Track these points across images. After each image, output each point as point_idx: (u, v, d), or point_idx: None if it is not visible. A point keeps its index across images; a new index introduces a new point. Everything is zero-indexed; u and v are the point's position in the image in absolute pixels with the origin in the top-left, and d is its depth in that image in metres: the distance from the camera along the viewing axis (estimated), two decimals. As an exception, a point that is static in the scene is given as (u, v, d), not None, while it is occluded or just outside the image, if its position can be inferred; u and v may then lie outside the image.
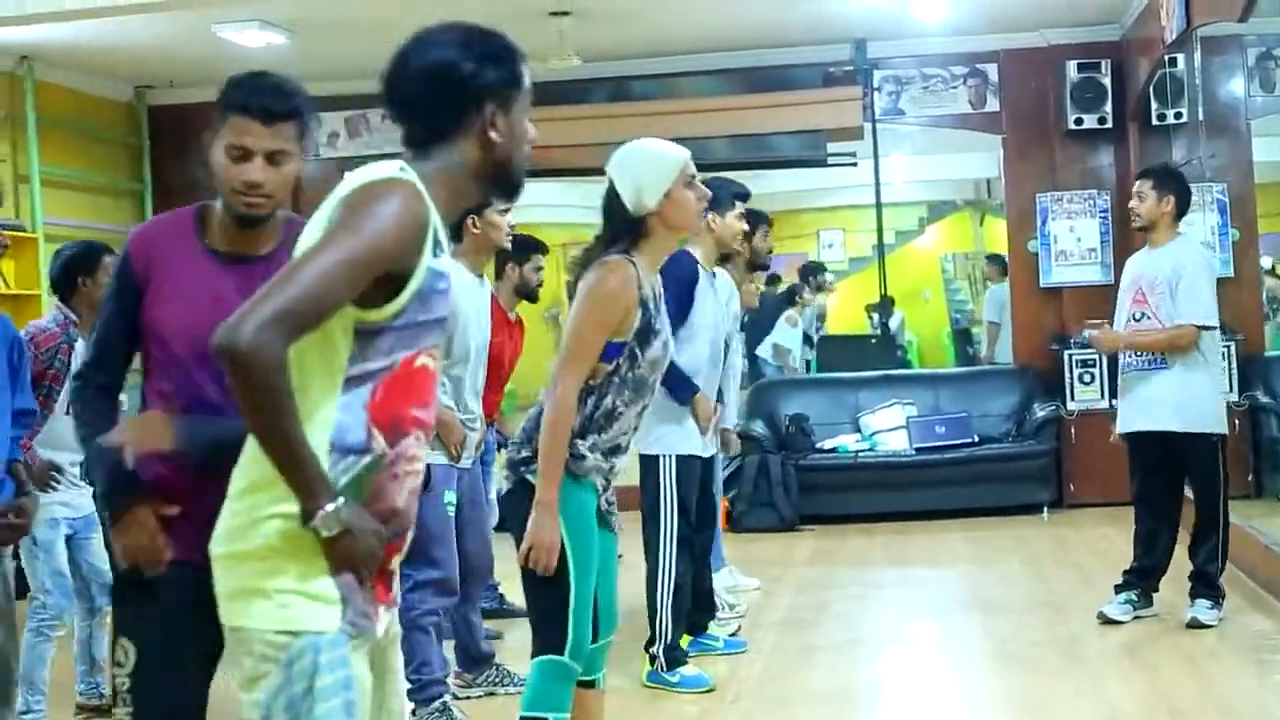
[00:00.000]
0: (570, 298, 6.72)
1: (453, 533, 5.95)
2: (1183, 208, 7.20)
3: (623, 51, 11.22)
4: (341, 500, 2.55)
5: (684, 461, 6.52)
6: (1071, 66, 11.11)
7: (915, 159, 16.33)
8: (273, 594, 2.58)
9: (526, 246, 7.00)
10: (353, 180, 2.66)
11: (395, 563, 2.79)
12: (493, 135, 2.78)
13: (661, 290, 4.35)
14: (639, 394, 4.23)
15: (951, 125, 11.90)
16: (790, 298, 14.97)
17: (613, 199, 4.26)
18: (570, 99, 11.10)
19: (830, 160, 12.04)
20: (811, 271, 15.78)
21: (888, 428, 11.42)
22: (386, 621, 2.80)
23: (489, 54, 2.78)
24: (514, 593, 7.88)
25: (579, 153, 10.91)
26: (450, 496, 5.91)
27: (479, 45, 2.78)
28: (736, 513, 10.83)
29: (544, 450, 4.11)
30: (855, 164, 12.17)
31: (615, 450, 4.25)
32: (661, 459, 6.47)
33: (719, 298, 6.79)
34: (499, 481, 7.45)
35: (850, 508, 11.02)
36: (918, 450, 11.18)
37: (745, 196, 6.95)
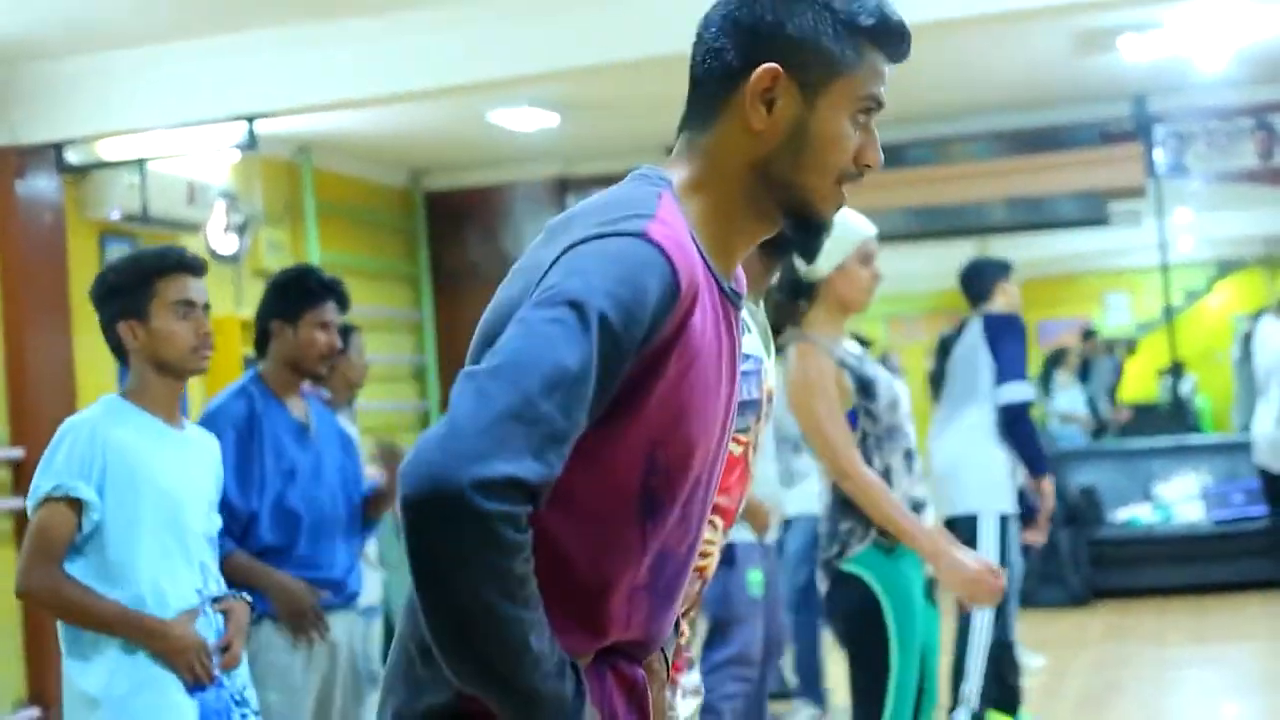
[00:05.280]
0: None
1: (758, 612, 5.72)
2: None
3: (894, 117, 11.04)
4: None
5: (1005, 522, 6.40)
6: (1367, 113, 10.61)
7: (1202, 216, 15.83)
8: None
9: None
10: None
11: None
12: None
13: (859, 348, 4.29)
14: (895, 440, 4.18)
15: (1238, 180, 11.44)
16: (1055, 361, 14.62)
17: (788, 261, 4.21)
18: (842, 169, 10.96)
19: (1112, 221, 11.71)
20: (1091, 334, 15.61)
21: (1182, 497, 11.00)
22: (687, 704, 2.73)
23: None
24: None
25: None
26: (755, 575, 5.74)
27: None
28: (1025, 587, 10.49)
29: (887, 516, 4.04)
30: (1138, 224, 11.82)
31: (916, 509, 4.17)
32: (980, 519, 6.38)
33: None
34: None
35: (1144, 581, 10.63)
36: (1215, 521, 10.72)
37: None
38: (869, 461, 4.11)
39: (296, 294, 4.68)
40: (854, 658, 4.15)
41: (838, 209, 2.01)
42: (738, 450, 2.68)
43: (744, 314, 2.68)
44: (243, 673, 3.82)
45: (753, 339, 2.69)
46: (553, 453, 1.74)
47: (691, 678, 2.79)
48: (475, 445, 1.70)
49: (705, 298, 1.89)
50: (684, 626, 2.72)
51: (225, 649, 3.74)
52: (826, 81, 1.94)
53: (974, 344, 6.55)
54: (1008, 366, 6.45)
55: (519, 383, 1.73)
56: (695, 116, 2.01)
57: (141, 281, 3.79)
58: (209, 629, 3.72)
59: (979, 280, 6.74)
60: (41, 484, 3.60)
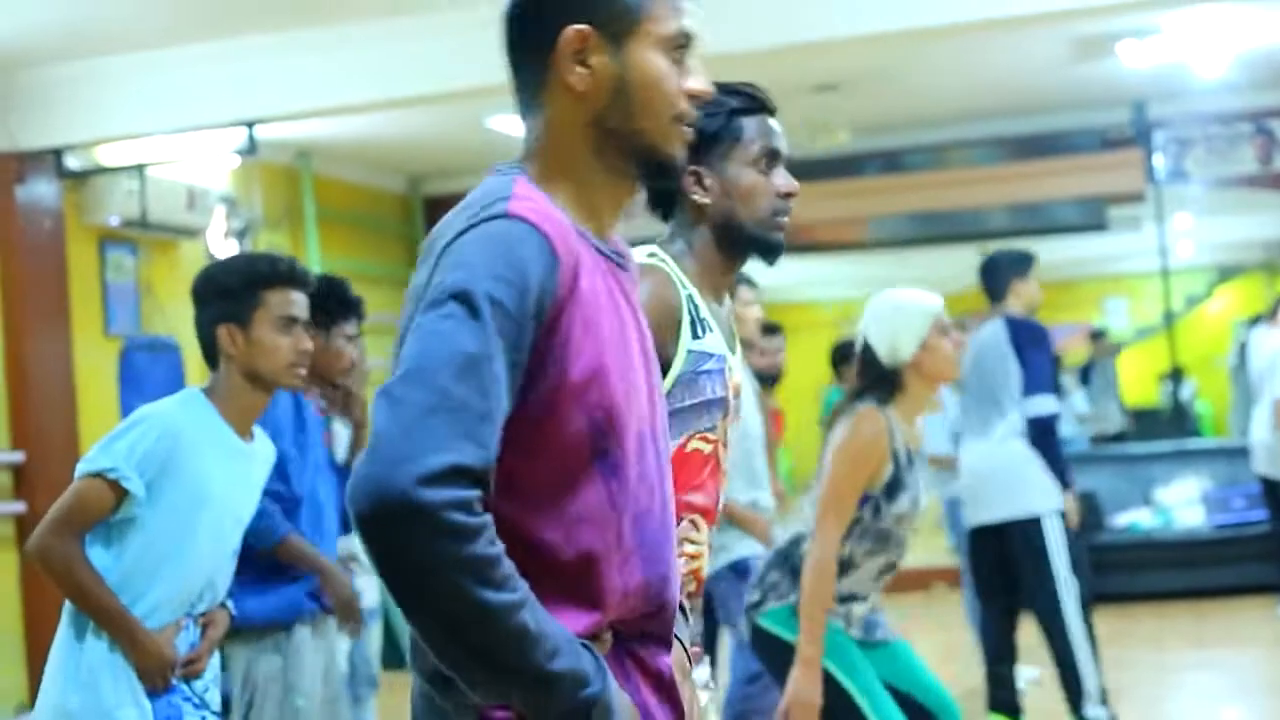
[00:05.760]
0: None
1: None
2: None
3: (892, 123, 11.07)
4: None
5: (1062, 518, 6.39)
6: (1367, 119, 10.60)
7: (1202, 221, 15.83)
8: None
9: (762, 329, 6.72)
10: None
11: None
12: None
13: (917, 443, 4.28)
14: (881, 546, 4.17)
15: (1238, 185, 11.44)
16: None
17: (867, 352, 4.24)
18: (840, 174, 10.97)
19: (1112, 226, 11.69)
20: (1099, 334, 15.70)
21: (1183, 502, 10.97)
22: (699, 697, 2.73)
23: None
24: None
25: (852, 228, 10.79)
26: None
27: None
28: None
29: (805, 606, 4.04)
30: (1138, 229, 11.80)
31: (851, 598, 4.18)
32: (1044, 520, 6.34)
33: None
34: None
35: (1144, 586, 10.58)
36: (1215, 526, 10.70)
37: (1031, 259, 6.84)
38: (843, 543, 4.09)
39: (333, 304, 4.68)
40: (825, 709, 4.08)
41: (683, 146, 2.07)
42: (707, 448, 2.69)
43: (705, 313, 2.71)
44: (206, 675, 3.74)
45: (715, 337, 2.70)
46: (484, 432, 1.78)
47: (700, 672, 2.78)
48: (405, 447, 1.73)
49: (587, 260, 1.95)
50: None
51: (191, 661, 3.66)
52: (630, 28, 2.01)
53: (1001, 347, 6.46)
54: (1035, 378, 6.39)
55: (429, 380, 1.77)
56: (525, 101, 2.07)
57: (249, 288, 3.74)
58: (184, 643, 3.66)
59: (995, 277, 6.60)
60: (98, 459, 3.51)
